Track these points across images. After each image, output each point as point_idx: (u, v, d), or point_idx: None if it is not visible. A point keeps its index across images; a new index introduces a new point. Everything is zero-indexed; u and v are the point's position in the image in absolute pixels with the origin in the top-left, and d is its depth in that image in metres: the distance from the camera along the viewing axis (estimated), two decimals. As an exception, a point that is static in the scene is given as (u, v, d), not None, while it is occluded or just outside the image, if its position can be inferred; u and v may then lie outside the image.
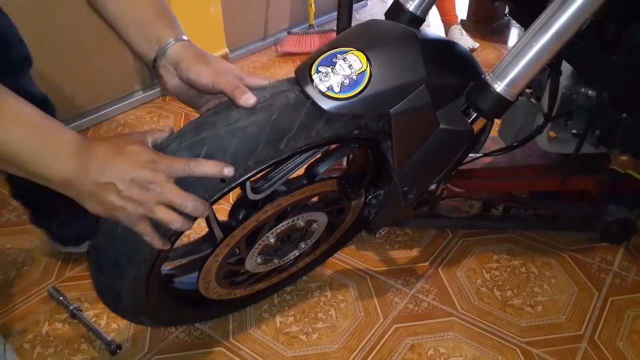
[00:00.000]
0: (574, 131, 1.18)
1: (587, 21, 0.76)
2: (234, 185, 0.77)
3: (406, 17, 0.94)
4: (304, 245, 1.07)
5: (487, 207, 1.44)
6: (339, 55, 0.79)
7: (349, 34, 0.85)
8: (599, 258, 1.33)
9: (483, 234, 1.41)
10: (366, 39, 0.83)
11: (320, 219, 1.04)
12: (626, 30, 0.91)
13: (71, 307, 1.16)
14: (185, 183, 0.70)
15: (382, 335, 1.13)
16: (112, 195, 0.66)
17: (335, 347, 1.10)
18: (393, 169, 0.89)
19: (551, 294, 1.23)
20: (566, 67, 1.10)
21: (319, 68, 0.78)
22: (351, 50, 0.79)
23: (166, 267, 1.01)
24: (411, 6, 0.94)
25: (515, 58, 0.80)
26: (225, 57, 2.21)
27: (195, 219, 0.74)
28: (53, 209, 1.25)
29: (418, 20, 0.95)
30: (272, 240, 0.98)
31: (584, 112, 1.13)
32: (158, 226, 0.72)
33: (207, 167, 0.70)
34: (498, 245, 1.37)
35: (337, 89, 0.76)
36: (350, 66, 0.78)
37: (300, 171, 0.94)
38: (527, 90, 1.24)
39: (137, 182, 0.66)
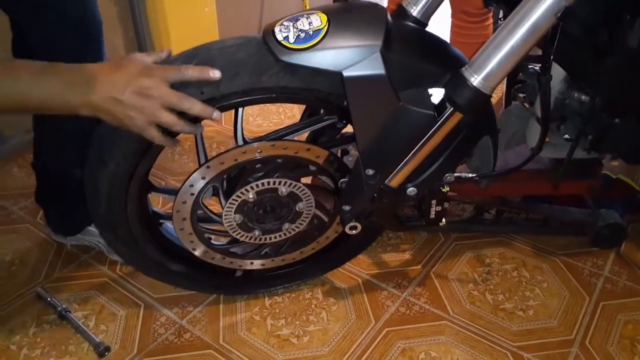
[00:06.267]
0: (566, 136, 1.18)
1: (562, 9, 0.75)
2: (219, 106, 0.84)
3: (409, 21, 0.96)
4: (287, 227, 1.06)
5: (480, 210, 1.44)
6: (305, 15, 0.86)
7: (327, 5, 0.91)
8: (590, 263, 1.33)
9: (475, 237, 1.41)
10: (337, 7, 0.88)
11: (305, 199, 1.02)
12: (619, 35, 0.92)
13: (59, 308, 1.15)
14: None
15: (374, 338, 1.12)
16: (117, 106, 0.75)
17: (327, 350, 1.10)
18: (357, 146, 0.90)
19: (543, 298, 1.23)
20: (559, 72, 1.10)
21: (284, 22, 0.85)
22: (317, 12, 0.86)
23: (156, 209, 1.11)
24: (414, 11, 0.96)
25: (492, 51, 0.79)
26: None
27: (199, 121, 0.84)
28: (60, 191, 1.25)
29: (421, 24, 0.96)
30: (250, 196, 0.98)
31: (577, 117, 1.13)
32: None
33: (197, 71, 0.79)
34: (490, 249, 1.37)
35: (292, 40, 0.82)
36: (310, 23, 0.84)
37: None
38: (520, 95, 1.24)
39: (136, 90, 0.74)
